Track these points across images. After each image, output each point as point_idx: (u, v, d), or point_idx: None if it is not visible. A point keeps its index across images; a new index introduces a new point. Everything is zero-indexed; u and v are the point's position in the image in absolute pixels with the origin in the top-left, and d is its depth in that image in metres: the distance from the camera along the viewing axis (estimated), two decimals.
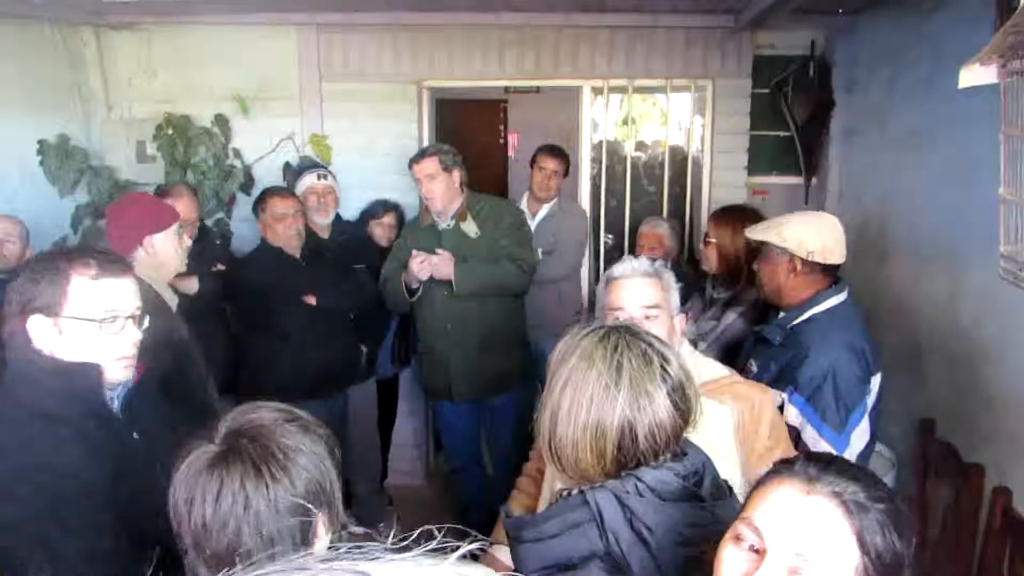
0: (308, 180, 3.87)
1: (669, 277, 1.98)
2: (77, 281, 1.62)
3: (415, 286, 3.41)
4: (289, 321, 3.41)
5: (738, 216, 2.88)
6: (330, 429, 3.67)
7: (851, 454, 2.36)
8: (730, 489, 1.23)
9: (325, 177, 3.88)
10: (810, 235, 2.45)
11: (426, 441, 4.75)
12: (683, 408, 1.20)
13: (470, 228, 3.39)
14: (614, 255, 4.52)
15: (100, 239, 4.20)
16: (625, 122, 4.84)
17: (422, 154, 3.40)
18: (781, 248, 2.46)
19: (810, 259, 2.44)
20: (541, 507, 2.15)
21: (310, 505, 1.18)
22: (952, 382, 2.82)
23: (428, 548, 0.63)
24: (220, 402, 3.17)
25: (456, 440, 3.73)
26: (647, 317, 1.89)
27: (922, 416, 2.94)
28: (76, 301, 1.62)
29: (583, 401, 1.18)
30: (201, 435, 1.23)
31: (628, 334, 1.23)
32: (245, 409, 1.26)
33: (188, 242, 2.68)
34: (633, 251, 4.16)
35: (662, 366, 1.20)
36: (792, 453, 2.01)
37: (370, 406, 4.09)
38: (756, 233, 2.55)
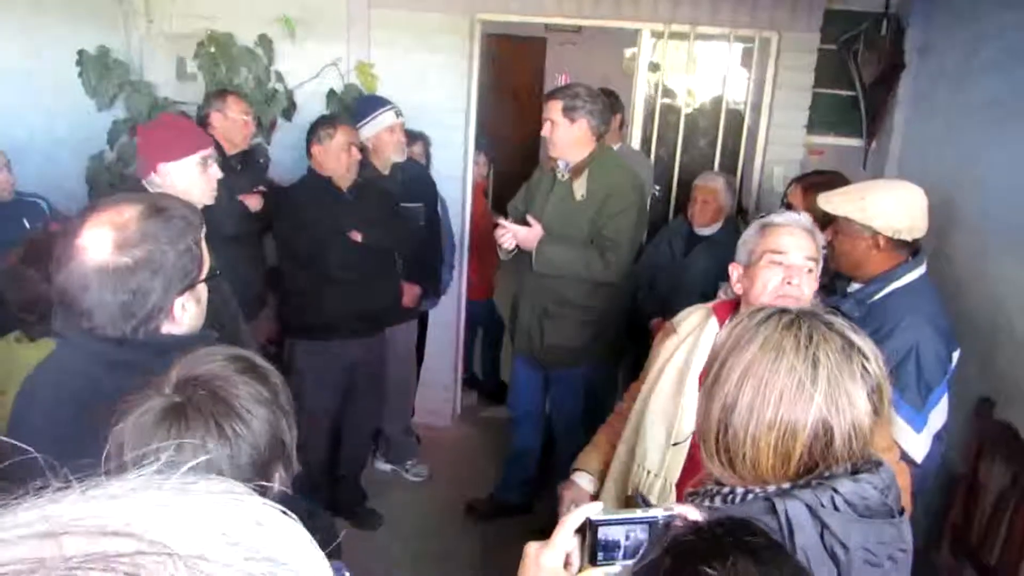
0: (387, 119, 3.65)
1: (820, 239, 1.95)
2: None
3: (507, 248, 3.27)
4: (333, 257, 3.32)
5: (828, 185, 2.69)
6: (368, 369, 3.63)
7: (928, 433, 2.31)
8: (902, 509, 1.12)
9: (400, 115, 3.69)
10: (898, 212, 2.33)
11: (455, 383, 4.71)
12: (880, 412, 1.09)
13: (579, 189, 3.16)
14: (660, 207, 4.42)
15: (136, 157, 4.10)
16: (657, 69, 4.60)
17: (551, 93, 3.17)
18: (863, 224, 2.35)
19: (897, 237, 2.34)
20: (614, 475, 2.11)
21: (268, 459, 1.17)
22: (1020, 364, 2.76)
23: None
24: (247, 328, 3.11)
25: (516, 390, 3.68)
26: (808, 270, 1.85)
27: (979, 395, 2.89)
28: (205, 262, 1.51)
29: (771, 397, 1.07)
30: (148, 383, 1.16)
31: (822, 323, 1.11)
32: (197, 356, 1.20)
33: (218, 173, 2.53)
34: (683, 205, 4.06)
35: (863, 363, 1.08)
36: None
37: (409, 345, 4.05)
38: (835, 206, 2.41)
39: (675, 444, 1.89)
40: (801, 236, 1.88)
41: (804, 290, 1.83)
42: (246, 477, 1.12)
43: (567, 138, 3.11)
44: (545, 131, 3.15)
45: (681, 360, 1.99)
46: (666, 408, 1.96)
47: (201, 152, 2.48)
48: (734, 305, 2.00)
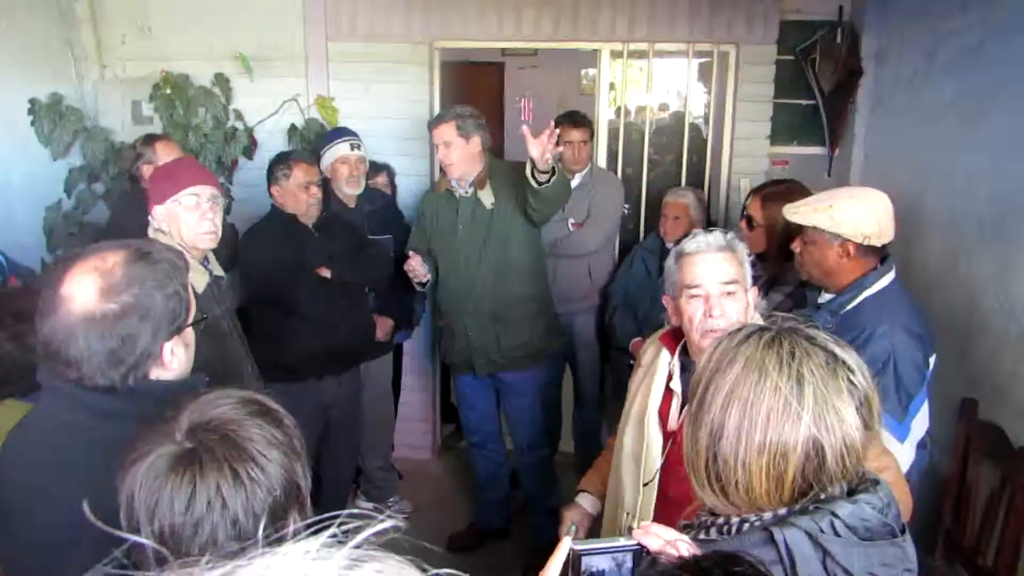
0: (340, 150, 3.62)
1: (743, 249, 1.88)
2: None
3: (421, 280, 3.37)
4: (301, 294, 3.25)
5: (785, 194, 2.69)
6: (344, 407, 3.55)
7: (911, 442, 2.27)
8: (903, 528, 1.08)
9: (358, 147, 3.65)
10: (866, 217, 2.30)
11: (434, 414, 4.64)
12: (870, 425, 1.05)
13: (487, 198, 3.23)
14: (630, 225, 4.40)
15: (94, 204, 4.01)
16: (614, 86, 4.61)
17: (440, 118, 3.23)
18: (833, 233, 2.33)
19: (866, 243, 2.32)
20: (607, 512, 2.06)
21: (285, 504, 1.14)
22: (1001, 363, 2.75)
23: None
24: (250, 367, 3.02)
25: (473, 415, 3.63)
26: (728, 294, 1.79)
27: (961, 396, 2.88)
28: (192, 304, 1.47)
29: (758, 419, 1.02)
30: (157, 429, 1.13)
31: (804, 338, 1.07)
32: (207, 400, 1.16)
33: (209, 211, 2.32)
34: (655, 222, 4.04)
35: (848, 377, 1.04)
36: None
37: (385, 380, 3.97)
38: (802, 217, 2.37)
39: (645, 484, 1.84)
40: (714, 261, 1.82)
41: (731, 316, 1.78)
42: (262, 523, 1.10)
43: (465, 156, 3.19)
44: (441, 156, 3.22)
45: (642, 395, 1.95)
46: (634, 447, 1.92)
47: (188, 189, 2.31)
48: (678, 333, 1.95)
